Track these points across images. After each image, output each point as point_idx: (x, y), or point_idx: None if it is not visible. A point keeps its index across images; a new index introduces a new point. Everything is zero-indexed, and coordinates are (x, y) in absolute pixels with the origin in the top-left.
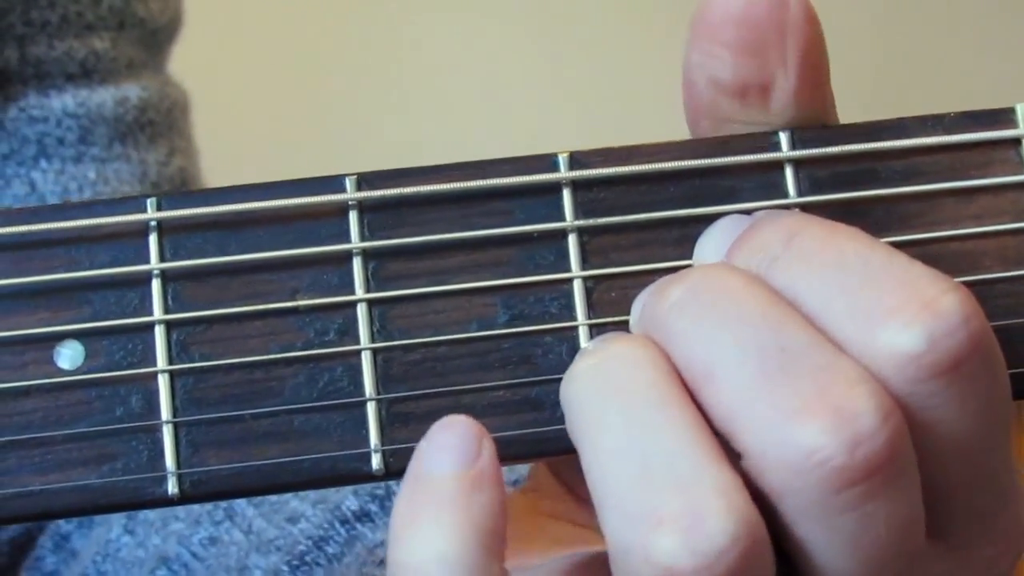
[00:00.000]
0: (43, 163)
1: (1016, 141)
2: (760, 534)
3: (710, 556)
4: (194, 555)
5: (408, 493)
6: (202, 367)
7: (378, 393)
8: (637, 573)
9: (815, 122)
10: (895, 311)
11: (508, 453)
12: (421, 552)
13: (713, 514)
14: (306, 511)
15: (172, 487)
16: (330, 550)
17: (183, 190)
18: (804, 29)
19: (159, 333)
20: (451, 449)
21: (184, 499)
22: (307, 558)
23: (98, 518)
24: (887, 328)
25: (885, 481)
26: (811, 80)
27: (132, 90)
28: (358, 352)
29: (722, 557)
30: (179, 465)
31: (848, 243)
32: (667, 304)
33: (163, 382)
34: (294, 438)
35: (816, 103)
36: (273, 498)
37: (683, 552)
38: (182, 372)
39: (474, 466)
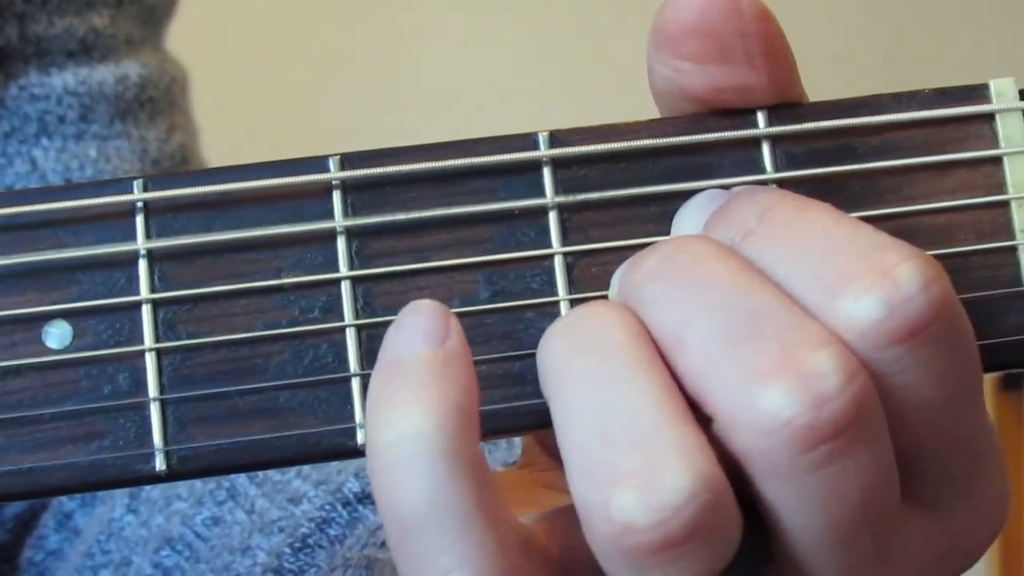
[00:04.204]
0: (44, 141)
1: (990, 116)
2: (720, 491)
3: (666, 511)
4: (197, 535)
5: (381, 377)
6: (189, 345)
7: (363, 369)
8: (599, 530)
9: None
10: (855, 279)
11: (492, 427)
12: (397, 430)
13: (670, 471)
14: (308, 492)
15: (160, 464)
16: (332, 532)
17: (170, 171)
18: (762, 28)
19: (146, 312)
20: (420, 330)
21: (172, 476)
22: (310, 540)
23: (100, 496)
24: (847, 296)
25: (852, 440)
26: (781, 73)
27: (132, 67)
28: (342, 329)
29: (678, 513)
30: (166, 442)
31: (816, 216)
32: (641, 272)
33: (150, 360)
34: (280, 414)
35: (789, 91)
36: (276, 478)
37: (639, 508)
38: (169, 350)
39: (444, 345)
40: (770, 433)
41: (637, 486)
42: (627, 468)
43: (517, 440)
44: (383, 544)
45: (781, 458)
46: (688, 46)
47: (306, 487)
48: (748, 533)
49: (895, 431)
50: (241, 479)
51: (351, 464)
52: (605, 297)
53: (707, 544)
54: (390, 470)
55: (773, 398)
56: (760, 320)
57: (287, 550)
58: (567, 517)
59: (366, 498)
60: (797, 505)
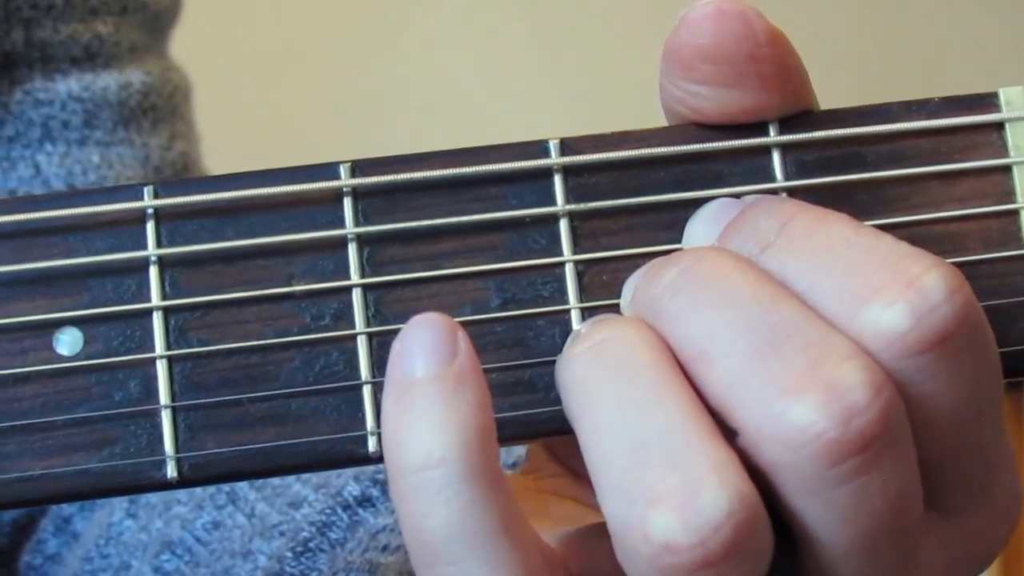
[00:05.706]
0: (48, 146)
1: (999, 125)
2: (755, 508)
3: (705, 531)
4: (197, 539)
5: (394, 398)
6: (200, 352)
7: (373, 377)
8: (636, 550)
9: None
10: (880, 290)
11: (503, 435)
12: (422, 457)
13: (707, 489)
14: (308, 496)
15: (171, 471)
16: (333, 536)
17: (180, 177)
18: (775, 51)
19: (157, 319)
20: (428, 348)
21: (183, 483)
22: (310, 544)
23: (99, 500)
24: (872, 307)
25: (879, 454)
26: (793, 93)
27: (135, 75)
28: (353, 336)
29: (718, 531)
30: (178, 449)
31: (837, 227)
32: (661, 286)
33: (161, 367)
34: (291, 421)
35: (801, 108)
36: (275, 482)
37: (679, 528)
38: (180, 357)
39: (454, 363)
40: (798, 447)
41: (675, 506)
42: (663, 488)
43: None
44: (384, 548)
45: (809, 472)
46: (701, 71)
47: (306, 491)
48: (776, 547)
49: (919, 440)
50: (241, 483)
51: (351, 468)
52: (616, 305)
53: (744, 561)
54: (416, 496)
55: (801, 412)
56: (785, 333)
57: (288, 554)
58: (586, 538)
59: (366, 501)
60: (824, 518)
